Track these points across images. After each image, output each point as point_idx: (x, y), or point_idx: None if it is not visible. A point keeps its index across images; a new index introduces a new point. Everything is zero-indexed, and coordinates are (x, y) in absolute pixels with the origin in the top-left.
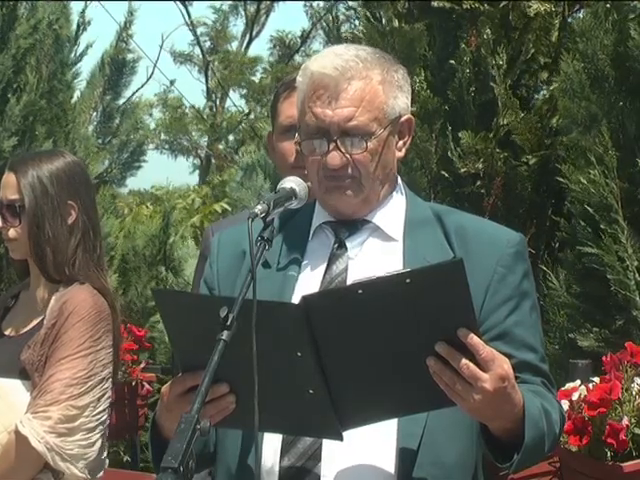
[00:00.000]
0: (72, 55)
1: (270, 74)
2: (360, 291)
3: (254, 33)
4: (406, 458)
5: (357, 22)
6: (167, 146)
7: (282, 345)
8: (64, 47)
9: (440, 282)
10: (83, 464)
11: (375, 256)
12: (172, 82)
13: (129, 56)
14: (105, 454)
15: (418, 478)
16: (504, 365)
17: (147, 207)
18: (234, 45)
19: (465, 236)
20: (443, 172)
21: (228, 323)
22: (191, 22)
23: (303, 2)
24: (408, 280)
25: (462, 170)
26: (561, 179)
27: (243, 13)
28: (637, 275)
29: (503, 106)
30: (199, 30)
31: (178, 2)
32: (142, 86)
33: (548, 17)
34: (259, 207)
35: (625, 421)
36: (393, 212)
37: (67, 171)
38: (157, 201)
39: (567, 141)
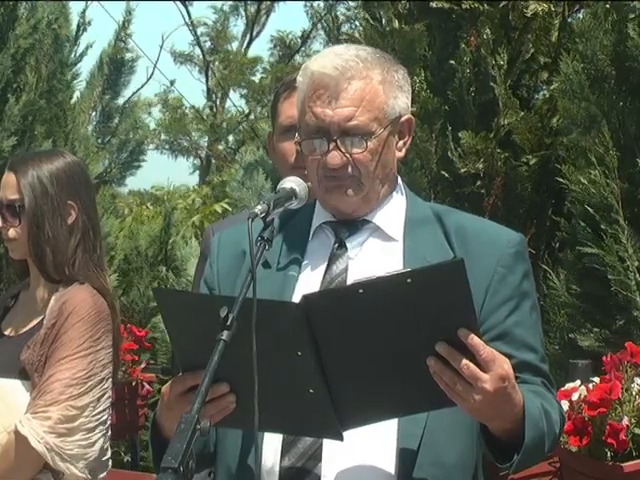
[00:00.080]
0: (72, 55)
1: (270, 74)
2: (360, 291)
3: (254, 33)
4: (406, 458)
5: (357, 22)
6: (167, 146)
7: (282, 345)
8: (63, 47)
9: (440, 282)
10: (83, 464)
11: (375, 256)
12: (172, 82)
13: (128, 55)
14: (108, 454)
15: (418, 478)
16: (504, 365)
17: (147, 207)
18: (234, 45)
19: (465, 236)
20: (443, 172)
21: (228, 323)
22: (191, 22)
23: (303, 2)
24: (409, 280)
25: (462, 170)
26: (561, 179)
27: (243, 13)
28: (637, 275)
29: (503, 106)
30: (199, 30)
31: (178, 2)
32: (142, 86)
33: (547, 17)
34: (259, 207)
35: (625, 421)
36: (393, 212)
37: (67, 171)
38: (157, 201)
39: (567, 142)
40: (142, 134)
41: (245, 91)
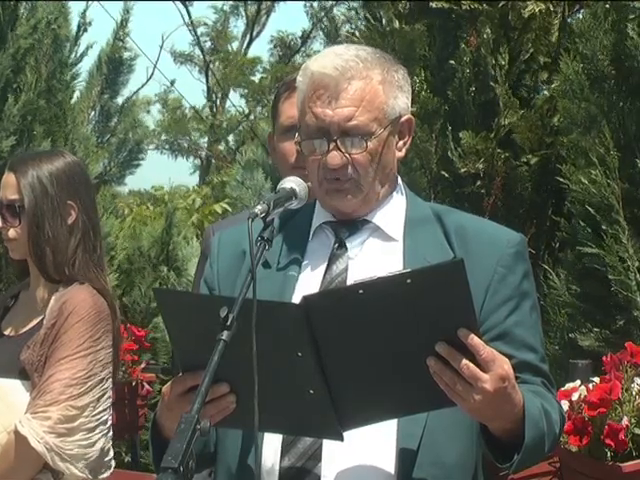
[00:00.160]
0: (73, 55)
1: (270, 74)
2: (361, 291)
3: (254, 33)
4: (406, 458)
5: (358, 22)
6: (167, 146)
7: (282, 345)
8: (63, 47)
9: (440, 282)
10: (83, 464)
11: (375, 256)
12: (172, 82)
13: (126, 54)
14: (111, 455)
15: (418, 478)
16: (504, 365)
17: (148, 207)
18: (234, 45)
19: (465, 236)
20: (443, 172)
21: (228, 323)
22: (191, 22)
23: (303, 2)
24: (409, 280)
25: (462, 170)
26: (561, 179)
27: (244, 13)
28: (638, 276)
29: (504, 106)
30: (199, 30)
31: (178, 2)
32: (142, 86)
33: (547, 17)
34: (259, 207)
35: (625, 421)
36: (393, 212)
37: (67, 171)
38: (157, 202)
39: (567, 142)
40: (141, 132)
41: (245, 91)
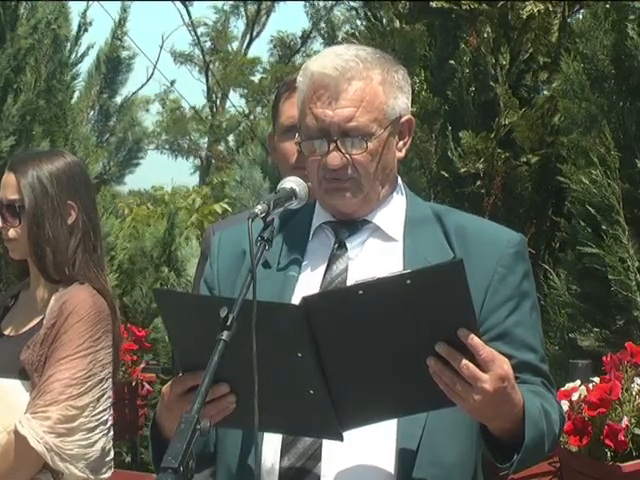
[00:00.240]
0: (73, 56)
1: (270, 74)
2: (360, 292)
3: (254, 33)
4: (406, 458)
5: (358, 22)
6: (167, 146)
7: (282, 345)
8: (63, 47)
9: (440, 282)
10: (83, 464)
11: (375, 256)
12: (172, 82)
13: (124, 53)
14: (112, 454)
15: (418, 478)
16: (504, 365)
17: (147, 207)
18: (234, 45)
19: (465, 236)
20: (443, 172)
21: (228, 323)
22: (191, 22)
23: (303, 2)
24: (408, 281)
25: (462, 170)
26: (562, 179)
27: (244, 13)
28: (638, 276)
29: (504, 106)
30: (199, 30)
31: (178, 2)
32: (142, 86)
33: (546, 17)
34: (259, 207)
35: (625, 421)
36: (393, 212)
37: (67, 171)
38: (157, 202)
39: (568, 142)
40: (139, 130)
41: (245, 91)
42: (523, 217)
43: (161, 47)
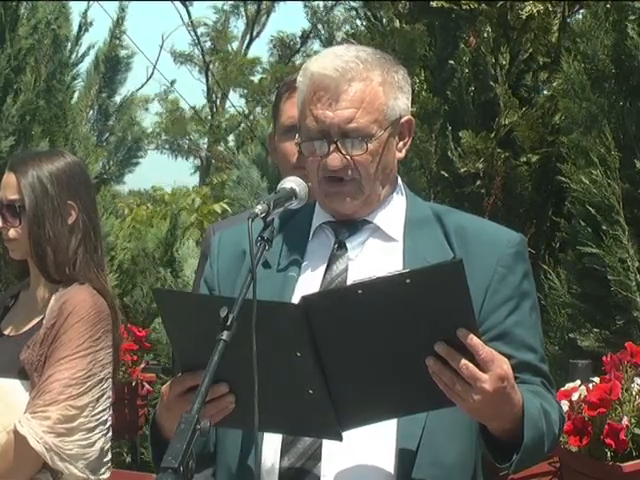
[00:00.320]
0: (74, 56)
1: (269, 74)
2: (360, 291)
3: (254, 33)
4: (405, 458)
5: (358, 22)
6: (167, 146)
7: (282, 345)
8: (63, 47)
9: (440, 282)
10: (83, 464)
11: (375, 256)
12: (172, 82)
13: (123, 52)
14: (110, 455)
15: (417, 479)
16: (503, 365)
17: (147, 207)
18: (234, 45)
19: (465, 236)
20: (443, 172)
21: (228, 323)
22: (191, 22)
23: (303, 2)
24: (408, 281)
25: (462, 170)
26: (562, 178)
27: (244, 13)
28: (638, 276)
29: (504, 106)
30: (199, 30)
31: (178, 2)
32: (142, 86)
33: (546, 17)
34: (259, 207)
35: (625, 421)
36: (393, 212)
37: (67, 171)
38: (156, 202)
39: (568, 141)
40: (138, 130)
41: (245, 91)
42: (523, 217)
43: (161, 47)
